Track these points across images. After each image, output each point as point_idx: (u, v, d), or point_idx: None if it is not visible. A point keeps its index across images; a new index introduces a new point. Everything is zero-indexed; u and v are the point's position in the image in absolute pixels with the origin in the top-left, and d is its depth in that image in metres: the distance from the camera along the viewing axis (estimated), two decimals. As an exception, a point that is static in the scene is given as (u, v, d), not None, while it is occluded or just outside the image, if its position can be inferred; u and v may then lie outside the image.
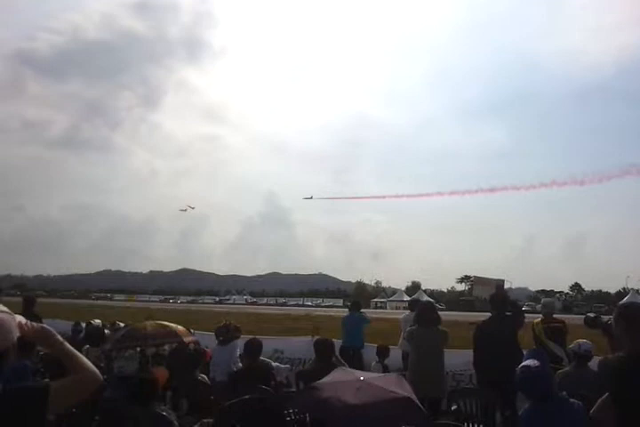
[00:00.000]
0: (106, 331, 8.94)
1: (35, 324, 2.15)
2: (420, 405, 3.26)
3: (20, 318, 2.09)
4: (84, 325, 10.09)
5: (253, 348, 6.23)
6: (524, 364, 3.56)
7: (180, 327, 6.96)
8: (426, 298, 49.53)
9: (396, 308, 73.96)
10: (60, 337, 2.19)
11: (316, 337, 9.83)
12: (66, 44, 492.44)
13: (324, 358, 5.71)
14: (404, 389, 3.28)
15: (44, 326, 2.20)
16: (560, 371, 5.73)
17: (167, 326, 6.82)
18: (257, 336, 8.75)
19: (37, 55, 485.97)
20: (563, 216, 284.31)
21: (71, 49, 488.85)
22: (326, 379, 3.45)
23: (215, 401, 5.74)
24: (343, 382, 3.30)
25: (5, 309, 2.05)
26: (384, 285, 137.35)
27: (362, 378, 3.29)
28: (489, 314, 6.79)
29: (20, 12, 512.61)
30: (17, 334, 2.02)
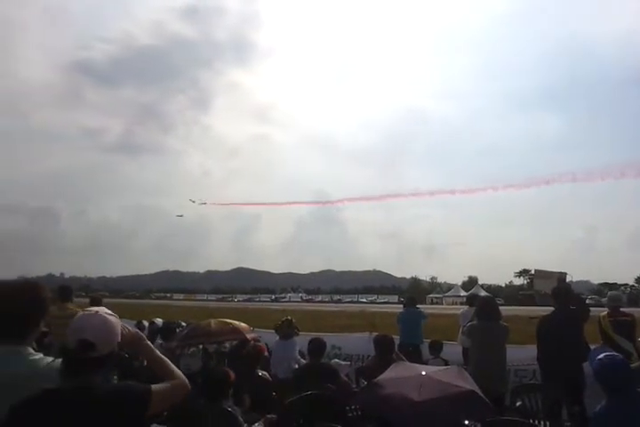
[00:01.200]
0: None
1: (130, 328, 2.25)
2: (485, 398, 3.19)
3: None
4: (145, 323, 10.35)
5: (317, 347, 6.25)
6: (602, 355, 3.44)
7: (242, 324, 7.07)
8: (483, 293, 48.60)
9: (453, 303, 72.76)
10: (149, 343, 2.29)
11: (375, 334, 9.81)
12: (119, 51, 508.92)
13: (385, 354, 5.69)
14: (467, 382, 3.22)
15: (138, 331, 2.31)
16: (632, 365, 5.52)
17: (230, 324, 6.94)
18: (314, 333, 8.81)
19: (93, 64, 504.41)
20: (625, 207, 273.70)
21: (124, 56, 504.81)
22: (387, 375, 3.43)
23: (277, 398, 5.81)
24: (405, 378, 3.27)
25: (111, 312, 2.17)
26: (439, 280, 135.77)
27: (423, 373, 3.25)
28: (551, 308, 6.61)
29: (75, 24, 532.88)
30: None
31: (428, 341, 9.49)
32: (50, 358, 2.19)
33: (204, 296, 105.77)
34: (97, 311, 2.11)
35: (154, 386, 2.11)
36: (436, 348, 8.77)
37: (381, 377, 3.41)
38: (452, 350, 9.00)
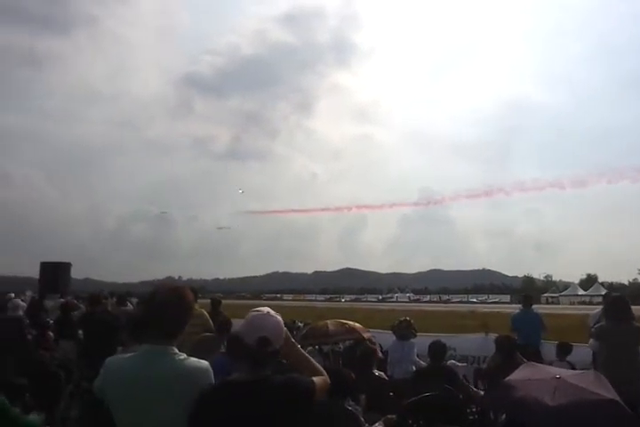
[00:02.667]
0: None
1: None
2: (629, 410, 2.93)
3: None
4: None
5: (439, 350, 6.15)
6: None
7: (357, 324, 7.11)
8: (604, 292, 45.58)
9: (571, 303, 68.96)
10: (293, 340, 2.49)
11: (490, 334, 9.48)
12: (225, 63, 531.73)
13: (508, 355, 5.48)
14: (607, 389, 2.98)
15: (285, 329, 2.45)
16: None
17: (346, 324, 7.00)
18: (424, 334, 8.65)
19: (201, 76, 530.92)
20: None
21: (230, 67, 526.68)
22: (517, 376, 3.27)
23: (394, 398, 5.76)
24: (538, 380, 3.10)
25: (274, 312, 2.40)
26: (554, 278, 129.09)
27: (557, 376, 3.07)
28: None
29: (184, 40, 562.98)
30: None
31: (552, 342, 9.01)
32: (193, 359, 2.31)
33: (313, 297, 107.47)
34: (268, 312, 2.37)
35: (314, 378, 2.34)
36: (564, 350, 8.28)
37: (511, 379, 3.26)
38: (576, 352, 8.50)
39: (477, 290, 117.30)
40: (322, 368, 2.47)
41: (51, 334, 9.36)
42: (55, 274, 29.38)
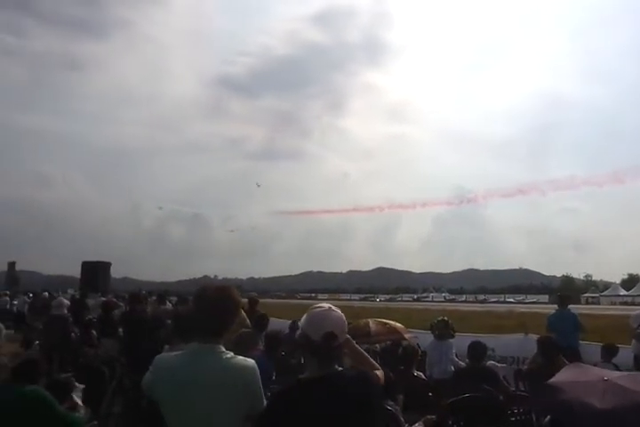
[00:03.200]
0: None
1: None
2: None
3: None
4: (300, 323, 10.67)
5: (479, 350, 6.09)
6: None
7: (398, 324, 7.07)
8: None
9: (612, 303, 67.20)
10: (349, 336, 2.48)
11: (529, 335, 9.32)
12: (257, 63, 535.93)
13: (550, 356, 5.38)
14: (657, 392, 2.89)
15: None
16: None
17: (387, 324, 6.97)
18: (462, 334, 8.55)
19: (235, 78, 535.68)
20: None
21: (263, 68, 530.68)
22: (563, 377, 3.20)
23: (434, 399, 5.73)
24: (585, 382, 3.02)
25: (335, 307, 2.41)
26: (595, 278, 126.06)
27: (605, 378, 2.99)
28: None
29: (217, 41, 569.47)
30: None
31: (593, 344, 8.81)
32: (240, 357, 2.34)
33: (348, 296, 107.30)
34: (329, 307, 2.38)
35: (377, 372, 2.40)
36: (610, 352, 8.06)
37: (556, 380, 3.18)
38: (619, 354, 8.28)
39: (514, 290, 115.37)
40: (375, 363, 2.49)
41: (93, 332, 9.56)
42: (96, 273, 30.06)
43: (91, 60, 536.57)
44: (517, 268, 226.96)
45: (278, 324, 10.70)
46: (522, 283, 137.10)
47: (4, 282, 34.68)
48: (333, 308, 2.37)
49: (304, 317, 2.39)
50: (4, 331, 5.33)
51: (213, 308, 2.32)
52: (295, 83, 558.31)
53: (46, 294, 21.94)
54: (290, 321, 11.10)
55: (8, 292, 21.03)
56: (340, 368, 2.28)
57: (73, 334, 9.60)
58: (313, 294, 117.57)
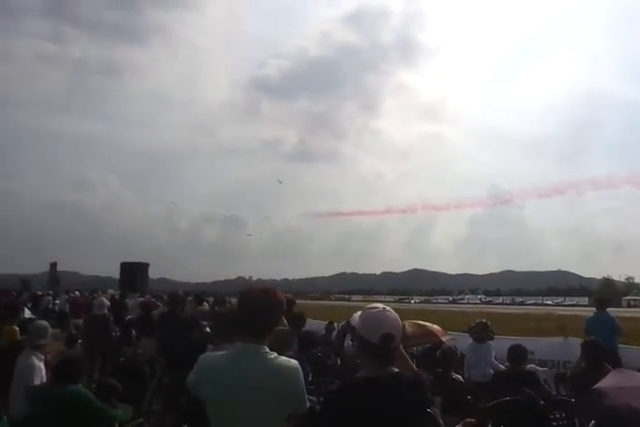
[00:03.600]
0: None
1: None
2: None
3: None
4: (336, 324, 10.67)
5: (519, 353, 5.99)
6: None
7: (435, 326, 7.00)
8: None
9: (655, 306, 65.22)
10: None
11: (570, 338, 9.13)
12: (291, 66, 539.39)
13: (595, 361, 5.24)
14: None
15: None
16: None
17: (423, 326, 6.90)
18: (500, 336, 8.42)
19: (269, 80, 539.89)
20: None
21: (296, 70, 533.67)
22: (608, 383, 3.12)
23: (473, 401, 5.66)
24: (632, 387, 2.94)
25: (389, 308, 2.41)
26: (637, 280, 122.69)
27: (653, 384, 2.91)
28: None
29: (251, 45, 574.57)
30: None
31: (634, 348, 8.58)
32: (284, 358, 2.37)
33: (382, 297, 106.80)
34: (383, 308, 2.37)
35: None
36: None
37: (602, 386, 3.11)
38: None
39: (552, 292, 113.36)
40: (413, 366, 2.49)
41: (133, 331, 9.74)
42: (134, 274, 30.70)
43: (128, 66, 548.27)
44: (555, 269, 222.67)
45: (314, 325, 10.74)
46: (560, 285, 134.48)
47: (46, 282, 35.59)
48: (388, 308, 2.36)
49: (358, 318, 2.40)
50: (51, 330, 5.46)
51: (258, 309, 2.35)
52: (329, 84, 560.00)
53: (77, 293, 22.49)
54: (326, 322, 11.12)
55: (51, 292, 21.55)
56: (396, 370, 2.29)
57: (113, 334, 9.82)
58: (347, 296, 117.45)
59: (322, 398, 2.46)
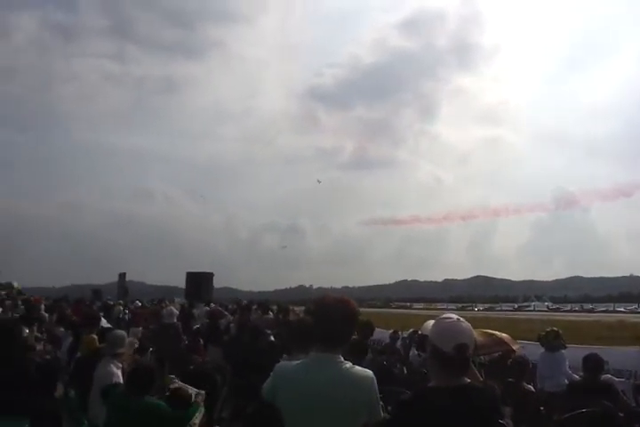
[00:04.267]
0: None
1: None
2: None
3: None
4: (401, 333, 10.59)
5: (595, 362, 5.81)
6: None
7: (504, 335, 6.86)
8: None
9: None
10: None
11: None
12: (347, 74, 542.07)
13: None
14: None
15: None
16: None
17: (493, 335, 6.77)
18: (572, 345, 8.15)
19: (324, 89, 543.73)
20: None
21: (352, 77, 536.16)
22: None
23: (546, 412, 5.52)
24: None
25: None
26: None
27: None
28: None
29: (307, 54, 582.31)
30: None
31: None
32: (358, 367, 2.41)
33: (444, 305, 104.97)
34: (458, 318, 2.39)
35: None
36: None
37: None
38: None
39: (624, 298, 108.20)
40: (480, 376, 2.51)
41: (200, 340, 9.98)
42: (199, 283, 31.37)
43: (187, 81, 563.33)
44: (627, 275, 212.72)
45: (377, 333, 10.66)
46: (632, 291, 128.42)
47: (115, 292, 36.88)
48: (461, 319, 2.38)
49: (431, 327, 2.41)
50: (127, 339, 5.70)
51: (334, 318, 2.39)
52: (385, 91, 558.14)
53: (138, 302, 23.23)
54: (390, 331, 11.04)
55: (121, 302, 22.34)
56: (468, 380, 2.29)
57: (182, 343, 10.09)
58: (408, 304, 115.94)
59: (389, 407, 2.47)
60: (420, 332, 9.98)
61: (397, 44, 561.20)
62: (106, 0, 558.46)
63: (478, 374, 2.51)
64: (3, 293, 16.93)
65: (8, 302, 15.33)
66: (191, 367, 7.78)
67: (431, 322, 2.48)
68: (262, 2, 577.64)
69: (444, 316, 2.44)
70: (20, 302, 16.94)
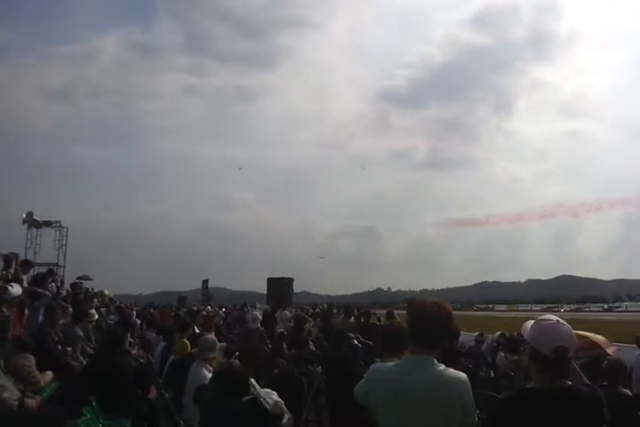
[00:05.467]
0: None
1: None
2: None
3: None
4: (487, 336, 10.37)
5: None
6: None
7: (598, 337, 6.60)
8: None
9: None
10: None
11: None
12: (418, 74, 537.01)
13: None
14: None
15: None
16: None
17: (586, 337, 6.52)
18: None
19: (396, 90, 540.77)
20: None
21: (423, 77, 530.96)
22: None
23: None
24: None
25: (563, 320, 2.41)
26: None
27: None
28: None
29: (377, 56, 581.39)
30: None
31: None
32: (452, 369, 2.41)
33: (528, 307, 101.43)
34: (557, 320, 2.37)
35: None
36: None
37: None
38: None
39: None
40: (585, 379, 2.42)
41: (284, 344, 10.16)
42: (280, 288, 31.96)
43: (261, 90, 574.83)
44: None
45: (462, 336, 10.50)
46: None
47: (200, 298, 38.12)
48: (562, 321, 2.35)
49: (529, 329, 2.40)
50: (219, 344, 5.94)
51: (431, 322, 2.41)
52: (457, 89, 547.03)
53: (223, 309, 23.96)
54: (475, 333, 10.84)
55: (209, 307, 23.09)
56: (570, 383, 2.26)
57: (266, 347, 10.32)
58: (490, 305, 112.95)
59: (478, 411, 2.46)
60: (507, 334, 9.78)
61: (469, 39, 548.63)
62: (181, 17, 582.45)
63: (583, 376, 2.42)
64: (96, 300, 17.85)
65: (102, 309, 16.18)
66: (276, 371, 7.98)
67: (530, 323, 2.44)
68: (330, 7, 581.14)
69: (544, 317, 2.42)
70: (112, 309, 17.87)
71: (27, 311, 7.54)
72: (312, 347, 8.70)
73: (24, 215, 28.93)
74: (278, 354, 9.85)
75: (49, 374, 5.52)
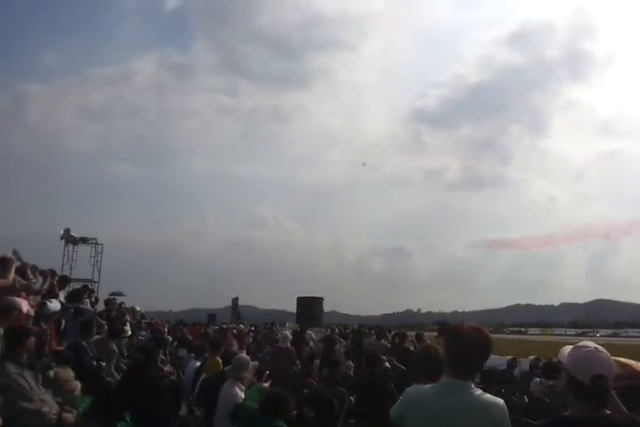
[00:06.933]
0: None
1: None
2: None
3: None
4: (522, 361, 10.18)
5: None
6: None
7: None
8: None
9: None
10: None
11: None
12: (451, 93, 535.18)
13: None
14: None
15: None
16: None
17: (627, 365, 6.29)
18: None
19: (429, 110, 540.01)
20: None
21: (457, 97, 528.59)
22: None
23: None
24: None
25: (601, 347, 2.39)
26: None
27: None
28: None
29: (410, 76, 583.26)
30: None
31: None
32: (489, 395, 2.42)
33: (562, 331, 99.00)
34: (596, 347, 2.33)
35: None
36: None
37: None
38: None
39: None
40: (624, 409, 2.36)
41: (314, 364, 10.15)
42: (310, 308, 32.01)
43: (294, 109, 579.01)
44: None
45: (493, 360, 10.33)
46: None
47: (229, 316, 38.31)
48: (600, 348, 2.32)
49: (567, 355, 2.37)
50: (252, 363, 5.97)
51: (470, 346, 2.42)
52: (491, 108, 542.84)
53: (252, 328, 24.02)
54: (508, 358, 10.65)
55: (242, 326, 23.17)
56: (608, 412, 2.22)
57: (295, 367, 10.32)
58: (522, 329, 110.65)
59: None
60: (541, 359, 9.58)
61: (503, 59, 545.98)
62: (216, 38, 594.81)
63: (621, 405, 2.36)
64: (128, 317, 18.07)
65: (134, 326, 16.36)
66: (305, 391, 7.96)
67: (568, 349, 2.41)
68: (364, 27, 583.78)
69: (582, 344, 2.37)
70: (143, 325, 18.06)
71: (63, 325, 7.72)
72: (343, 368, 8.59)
73: (61, 232, 29.58)
74: (308, 374, 9.84)
75: (78, 384, 5.62)
